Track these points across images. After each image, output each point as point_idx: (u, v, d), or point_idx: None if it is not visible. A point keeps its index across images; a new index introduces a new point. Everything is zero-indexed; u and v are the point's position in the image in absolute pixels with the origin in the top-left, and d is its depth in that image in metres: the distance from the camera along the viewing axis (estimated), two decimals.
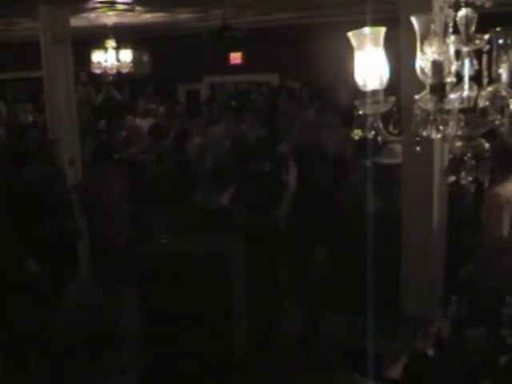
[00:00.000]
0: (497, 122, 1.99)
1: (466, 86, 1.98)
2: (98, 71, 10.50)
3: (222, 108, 9.72)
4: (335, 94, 9.28)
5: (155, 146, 8.14)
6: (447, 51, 1.97)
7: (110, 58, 10.41)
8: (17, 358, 4.52)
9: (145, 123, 9.83)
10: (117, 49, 10.45)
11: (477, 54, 1.99)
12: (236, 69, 12.31)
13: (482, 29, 1.99)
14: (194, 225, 4.53)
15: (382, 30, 2.06)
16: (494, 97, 1.97)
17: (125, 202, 6.24)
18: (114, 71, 10.58)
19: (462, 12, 1.95)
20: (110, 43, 10.35)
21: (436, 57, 1.97)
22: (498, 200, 4.25)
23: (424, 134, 2.06)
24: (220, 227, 4.28)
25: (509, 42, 1.95)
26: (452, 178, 2.10)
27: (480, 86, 2.01)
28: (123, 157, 7.62)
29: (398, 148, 5.03)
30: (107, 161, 6.25)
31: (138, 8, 8.58)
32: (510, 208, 4.26)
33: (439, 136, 2.03)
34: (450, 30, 1.98)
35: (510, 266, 4.26)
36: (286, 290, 5.44)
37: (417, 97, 2.07)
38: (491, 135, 2.07)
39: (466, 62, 1.97)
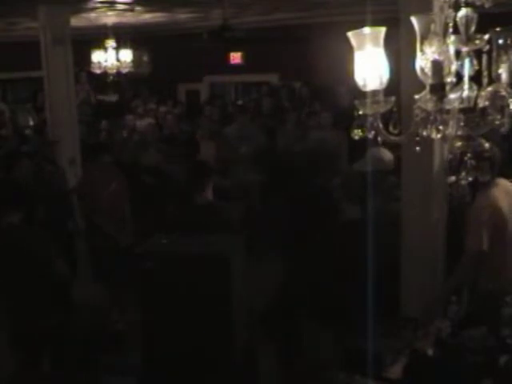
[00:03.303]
0: (497, 122, 1.99)
1: (466, 85, 1.99)
2: (97, 71, 10.51)
3: (235, 109, 9.73)
4: (335, 94, 9.28)
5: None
6: (447, 51, 1.97)
7: (110, 58, 10.42)
8: (30, 358, 4.54)
9: (143, 123, 9.83)
10: (117, 49, 10.46)
11: (477, 53, 1.99)
12: (236, 69, 12.30)
13: (481, 29, 1.99)
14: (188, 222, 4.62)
15: (382, 30, 2.07)
16: (494, 97, 1.97)
17: (123, 201, 6.25)
18: (114, 71, 10.59)
19: (462, 12, 1.96)
20: (110, 43, 10.36)
21: (436, 57, 1.98)
22: (481, 215, 4.03)
23: (424, 133, 2.06)
24: (210, 222, 4.39)
25: (509, 41, 1.95)
26: (452, 178, 2.10)
27: (480, 86, 2.01)
28: (123, 157, 7.61)
29: (383, 153, 4.97)
30: (102, 158, 6.26)
31: (137, 8, 8.58)
32: (495, 218, 4.08)
33: (439, 136, 2.03)
34: (450, 30, 1.98)
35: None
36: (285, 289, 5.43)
37: (417, 97, 2.07)
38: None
39: (466, 62, 1.98)
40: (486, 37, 1.96)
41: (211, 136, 8.26)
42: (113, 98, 11.72)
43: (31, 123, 9.92)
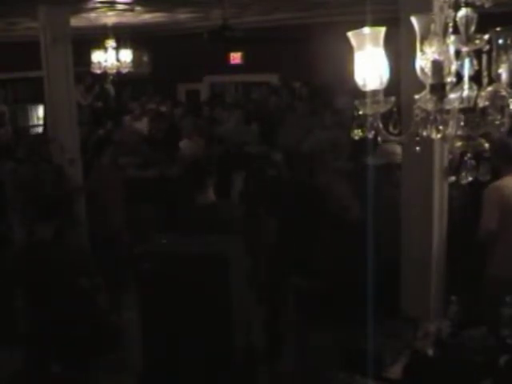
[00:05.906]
0: (497, 122, 1.99)
1: (466, 85, 1.99)
2: (97, 71, 10.51)
3: (230, 107, 9.74)
4: (335, 94, 9.28)
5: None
6: (447, 51, 1.97)
7: (109, 58, 10.41)
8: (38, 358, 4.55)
9: (140, 125, 9.82)
10: (117, 49, 10.45)
11: (477, 54, 1.99)
12: (236, 69, 12.31)
13: (481, 29, 1.99)
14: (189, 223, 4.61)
15: (382, 30, 2.07)
16: (494, 97, 1.97)
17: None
18: (114, 71, 10.59)
19: (462, 12, 1.96)
20: (110, 43, 10.35)
21: (436, 57, 1.98)
22: (491, 195, 4.32)
23: (424, 133, 2.06)
24: (212, 223, 4.38)
25: (509, 41, 1.95)
26: (452, 178, 2.10)
27: (480, 86, 2.01)
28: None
29: (394, 147, 4.98)
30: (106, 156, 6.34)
31: (137, 8, 8.58)
32: (503, 201, 4.31)
33: (439, 136, 2.03)
34: (450, 30, 1.98)
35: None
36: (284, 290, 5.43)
37: (417, 97, 2.07)
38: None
39: (466, 62, 1.97)
40: (486, 37, 1.96)
41: (200, 133, 8.25)
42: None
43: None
